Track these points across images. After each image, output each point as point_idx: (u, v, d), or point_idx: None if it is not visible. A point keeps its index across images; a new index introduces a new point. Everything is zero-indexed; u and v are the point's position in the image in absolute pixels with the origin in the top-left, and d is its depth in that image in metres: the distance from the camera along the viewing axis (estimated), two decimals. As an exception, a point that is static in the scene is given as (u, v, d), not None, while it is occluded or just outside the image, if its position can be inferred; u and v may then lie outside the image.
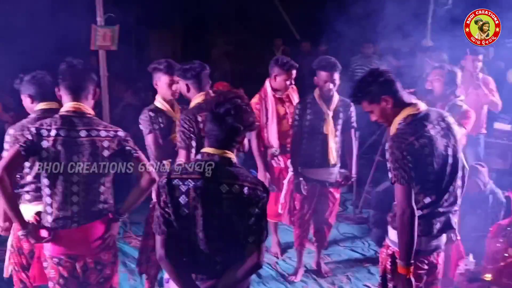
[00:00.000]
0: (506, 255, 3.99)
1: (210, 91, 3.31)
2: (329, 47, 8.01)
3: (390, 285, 2.62)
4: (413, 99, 2.63)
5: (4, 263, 3.15)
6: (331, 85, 3.93)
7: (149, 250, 3.53)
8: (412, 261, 2.48)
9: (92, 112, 2.73)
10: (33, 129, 2.56)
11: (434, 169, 2.49)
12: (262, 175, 4.26)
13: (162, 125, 3.52)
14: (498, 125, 6.25)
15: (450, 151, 2.55)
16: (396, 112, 2.58)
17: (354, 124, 4.21)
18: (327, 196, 4.19)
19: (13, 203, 2.57)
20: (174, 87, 3.51)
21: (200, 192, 2.10)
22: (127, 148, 2.70)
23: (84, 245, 2.66)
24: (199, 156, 2.18)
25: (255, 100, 4.31)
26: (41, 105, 3.08)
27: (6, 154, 2.51)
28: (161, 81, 3.52)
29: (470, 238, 4.57)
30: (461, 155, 2.81)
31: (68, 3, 6.11)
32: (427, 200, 2.54)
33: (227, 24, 11.19)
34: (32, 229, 2.60)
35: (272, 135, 4.35)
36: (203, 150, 2.18)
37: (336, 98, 4.06)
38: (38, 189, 2.78)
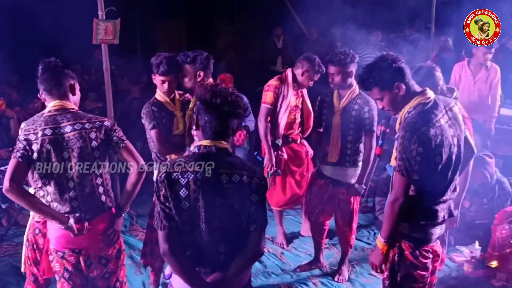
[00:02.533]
0: (512, 242, 3.99)
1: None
2: (333, 36, 7.96)
3: (399, 276, 2.61)
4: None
5: (22, 258, 3.17)
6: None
7: (153, 242, 3.55)
8: (388, 240, 2.56)
9: (75, 107, 2.74)
10: (21, 137, 2.59)
11: (442, 160, 2.47)
12: (268, 158, 4.22)
13: (164, 120, 3.47)
14: (504, 111, 6.18)
15: (456, 141, 2.53)
16: (406, 101, 2.54)
17: (373, 128, 3.77)
18: (340, 199, 3.96)
19: (37, 207, 2.58)
20: (165, 86, 3.46)
21: (200, 184, 2.10)
22: (114, 138, 2.71)
23: (87, 239, 2.70)
24: (195, 149, 2.18)
25: (274, 82, 4.24)
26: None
27: (8, 166, 2.55)
28: (155, 77, 3.48)
29: (476, 225, 4.56)
30: (471, 140, 2.79)
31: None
32: (433, 190, 2.52)
33: (232, 15, 11.15)
34: (72, 224, 2.62)
35: (281, 124, 4.30)
36: (199, 143, 2.18)
37: (351, 93, 3.81)
38: None
